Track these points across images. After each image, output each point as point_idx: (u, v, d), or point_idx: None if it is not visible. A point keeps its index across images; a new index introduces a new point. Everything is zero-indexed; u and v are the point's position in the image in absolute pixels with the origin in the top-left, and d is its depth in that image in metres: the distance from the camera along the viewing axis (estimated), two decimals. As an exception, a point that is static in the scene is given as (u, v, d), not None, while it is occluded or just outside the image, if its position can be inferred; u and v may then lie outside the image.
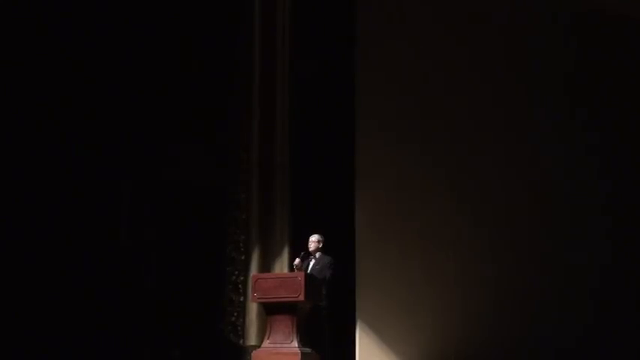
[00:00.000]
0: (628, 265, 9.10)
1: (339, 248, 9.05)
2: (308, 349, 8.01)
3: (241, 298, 10.24)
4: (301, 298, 7.87)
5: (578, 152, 9.34)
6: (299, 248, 8.88)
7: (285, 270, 9.78)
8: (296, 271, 8.46)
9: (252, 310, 10.03)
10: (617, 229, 9.16)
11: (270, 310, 8.09)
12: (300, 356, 7.82)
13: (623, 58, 9.48)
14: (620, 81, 9.44)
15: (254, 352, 8.21)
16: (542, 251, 9.16)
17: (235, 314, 10.21)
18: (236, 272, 10.37)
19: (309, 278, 8.11)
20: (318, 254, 8.75)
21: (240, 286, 10.28)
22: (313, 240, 8.75)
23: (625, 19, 9.40)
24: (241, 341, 10.12)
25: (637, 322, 8.93)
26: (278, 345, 7.94)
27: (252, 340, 9.94)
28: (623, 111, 9.38)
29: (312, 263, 8.70)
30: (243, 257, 10.36)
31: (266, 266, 10.12)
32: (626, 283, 9.05)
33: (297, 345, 7.90)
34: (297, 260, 8.61)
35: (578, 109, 9.42)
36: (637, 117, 9.40)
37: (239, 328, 10.17)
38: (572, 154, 9.35)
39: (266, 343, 8.07)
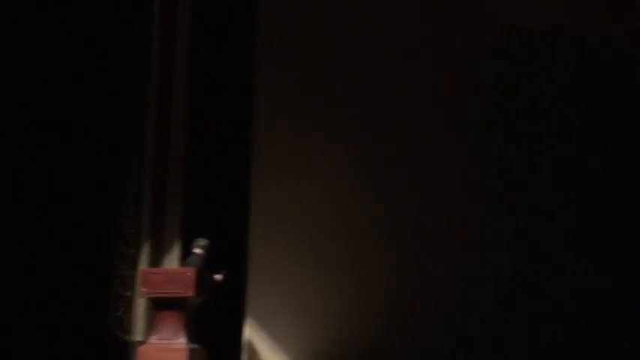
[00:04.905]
0: (526, 272, 9.55)
1: (232, 244, 9.17)
2: (196, 346, 8.13)
3: (129, 293, 10.21)
4: (191, 293, 7.99)
5: (482, 157, 9.76)
6: (191, 243, 8.94)
7: (176, 265, 9.81)
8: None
9: (141, 305, 10.02)
10: (518, 237, 9.60)
11: (159, 305, 8.20)
12: (187, 352, 7.94)
13: (536, 67, 9.98)
14: (535, 88, 9.93)
15: (140, 347, 8.27)
16: (445, 253, 9.54)
17: (122, 309, 10.17)
18: (124, 267, 10.34)
19: (200, 274, 8.20)
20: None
21: (128, 280, 10.26)
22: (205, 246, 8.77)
23: (535, 33, 9.90)
24: (127, 337, 10.09)
25: (528, 329, 9.36)
26: (165, 341, 8.07)
27: (139, 335, 9.93)
28: (539, 118, 9.86)
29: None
30: (132, 251, 10.32)
31: (156, 261, 10.14)
32: (524, 291, 9.48)
33: (184, 341, 8.02)
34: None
35: (490, 111, 9.84)
36: (552, 125, 9.90)
37: (125, 323, 10.14)
38: (478, 157, 9.76)
39: (153, 339, 8.19)
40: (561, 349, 9.27)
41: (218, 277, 8.62)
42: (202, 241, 8.77)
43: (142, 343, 8.82)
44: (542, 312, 9.58)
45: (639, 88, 10.34)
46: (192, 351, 8.03)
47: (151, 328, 8.73)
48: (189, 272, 8.14)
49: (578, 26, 10.01)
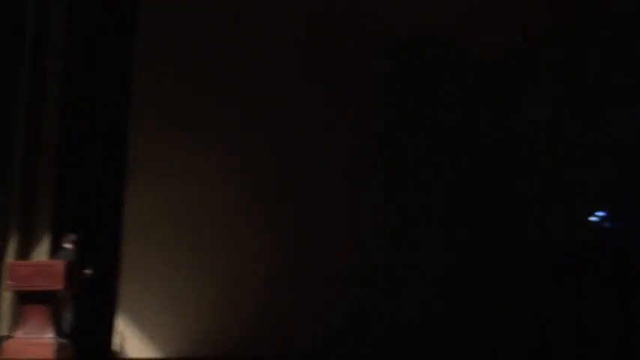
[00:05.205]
0: (400, 270, 9.85)
1: (105, 239, 9.09)
2: (64, 340, 8.01)
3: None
4: (60, 286, 7.87)
5: (363, 157, 9.99)
6: (61, 237, 8.81)
7: (45, 259, 9.61)
8: None
9: (7, 298, 9.76)
10: (392, 238, 9.88)
11: (26, 299, 8.04)
12: (54, 347, 7.81)
13: (424, 68, 10.31)
14: (421, 89, 10.26)
15: (5, 342, 8.07)
16: (319, 248, 9.68)
17: (-13, 303, 9.88)
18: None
19: (70, 267, 8.09)
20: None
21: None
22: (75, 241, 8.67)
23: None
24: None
25: (400, 322, 9.66)
26: (32, 336, 7.92)
27: (4, 330, 9.67)
28: (421, 118, 10.18)
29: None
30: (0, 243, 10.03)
31: (24, 254, 9.89)
32: (396, 287, 9.76)
33: (52, 336, 7.89)
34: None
35: (373, 111, 10.07)
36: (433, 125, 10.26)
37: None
38: (359, 157, 9.99)
39: (19, 334, 8.02)
40: (430, 338, 9.64)
41: (88, 272, 8.52)
42: (72, 236, 8.67)
43: (7, 338, 8.60)
44: (413, 308, 9.91)
45: (521, 91, 10.95)
46: (59, 346, 7.91)
47: (16, 322, 8.53)
48: (59, 265, 8.02)
49: (463, 30, 10.42)
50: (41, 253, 9.77)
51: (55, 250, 9.03)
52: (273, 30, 9.94)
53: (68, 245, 8.61)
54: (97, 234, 9.15)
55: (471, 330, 9.85)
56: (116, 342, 9.26)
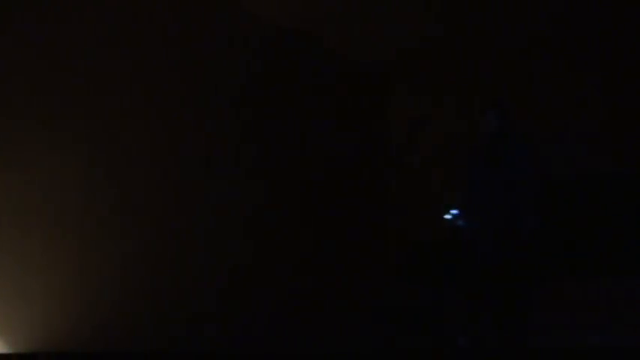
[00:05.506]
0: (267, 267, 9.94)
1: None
2: None
3: None
4: None
5: (218, 155, 9.92)
6: None
7: None
8: None
9: None
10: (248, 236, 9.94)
11: None
12: None
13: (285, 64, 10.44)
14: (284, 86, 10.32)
15: None
16: (167, 240, 9.56)
17: None
18: None
19: None
20: None
21: None
22: None
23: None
24: None
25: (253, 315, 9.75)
26: None
27: None
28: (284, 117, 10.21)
29: None
30: None
31: None
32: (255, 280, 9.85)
33: None
34: None
35: (227, 110, 10.02)
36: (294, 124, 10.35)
37: None
38: (213, 154, 9.92)
39: None
40: (280, 337, 9.79)
41: None
42: None
43: None
44: (265, 306, 10.06)
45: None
46: None
47: None
48: None
49: (330, 29, 10.56)
50: None
51: None
52: (135, 23, 9.63)
53: None
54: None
55: (323, 328, 10.10)
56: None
